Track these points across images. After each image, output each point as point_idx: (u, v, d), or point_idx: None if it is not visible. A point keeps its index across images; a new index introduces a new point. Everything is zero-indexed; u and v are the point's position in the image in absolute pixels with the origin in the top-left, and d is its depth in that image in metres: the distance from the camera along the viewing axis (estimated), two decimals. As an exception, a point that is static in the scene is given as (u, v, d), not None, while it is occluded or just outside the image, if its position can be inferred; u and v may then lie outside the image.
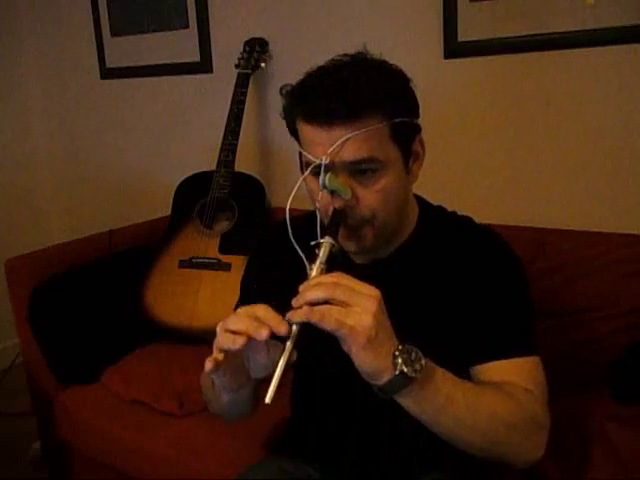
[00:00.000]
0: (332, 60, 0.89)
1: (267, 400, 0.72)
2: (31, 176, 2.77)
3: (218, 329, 0.77)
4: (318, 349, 1.01)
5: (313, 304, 0.73)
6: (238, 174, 1.90)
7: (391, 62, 0.92)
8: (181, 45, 2.19)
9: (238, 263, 1.74)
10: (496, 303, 0.93)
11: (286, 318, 0.73)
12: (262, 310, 0.75)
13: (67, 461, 1.72)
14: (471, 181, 1.73)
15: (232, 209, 1.86)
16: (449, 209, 1.07)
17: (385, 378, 0.75)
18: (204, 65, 2.16)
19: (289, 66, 1.95)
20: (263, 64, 1.94)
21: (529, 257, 1.36)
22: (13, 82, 2.68)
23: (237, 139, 1.88)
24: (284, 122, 0.94)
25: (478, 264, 0.95)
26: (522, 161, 1.65)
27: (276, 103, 2.01)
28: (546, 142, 1.61)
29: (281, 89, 0.92)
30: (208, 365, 0.77)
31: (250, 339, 0.74)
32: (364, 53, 0.90)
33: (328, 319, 0.71)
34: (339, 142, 0.83)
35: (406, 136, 0.90)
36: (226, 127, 1.89)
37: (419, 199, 1.04)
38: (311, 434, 1.08)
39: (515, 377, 0.87)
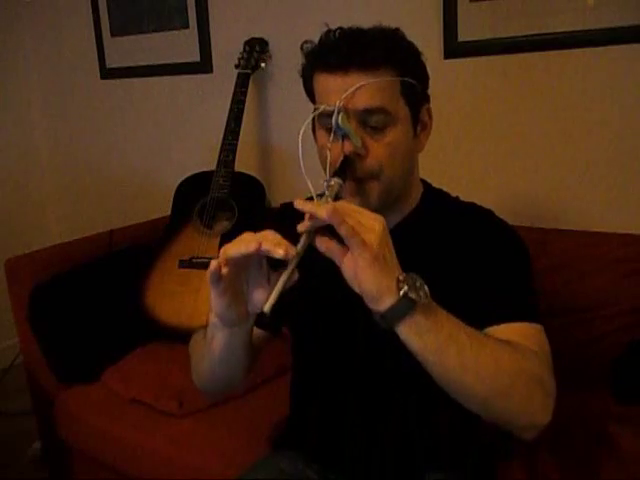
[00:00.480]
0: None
1: (266, 308, 0.73)
2: (31, 176, 2.77)
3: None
4: (319, 331, 1.04)
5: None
6: (238, 174, 1.89)
7: None
8: (181, 45, 2.19)
9: (238, 263, 1.74)
10: (498, 274, 0.93)
11: (298, 229, 0.74)
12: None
13: (67, 461, 1.72)
14: (471, 181, 1.73)
15: (232, 209, 1.86)
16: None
17: (388, 302, 0.74)
18: (204, 65, 2.16)
19: (289, 66, 1.93)
20: (263, 64, 1.94)
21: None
22: (13, 82, 2.68)
23: (237, 139, 1.87)
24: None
25: (480, 237, 0.97)
26: (522, 161, 1.66)
27: (276, 103, 2.03)
28: (546, 143, 1.61)
29: (302, 45, 0.97)
30: (213, 264, 0.77)
31: (255, 253, 0.74)
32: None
33: (346, 225, 0.71)
34: (353, 88, 0.87)
35: (415, 99, 0.94)
36: (226, 127, 1.89)
37: (423, 181, 1.06)
38: (311, 427, 1.08)
39: (519, 338, 0.85)
